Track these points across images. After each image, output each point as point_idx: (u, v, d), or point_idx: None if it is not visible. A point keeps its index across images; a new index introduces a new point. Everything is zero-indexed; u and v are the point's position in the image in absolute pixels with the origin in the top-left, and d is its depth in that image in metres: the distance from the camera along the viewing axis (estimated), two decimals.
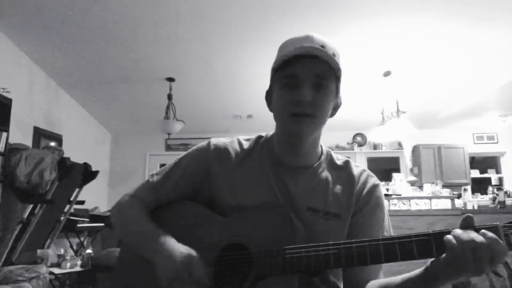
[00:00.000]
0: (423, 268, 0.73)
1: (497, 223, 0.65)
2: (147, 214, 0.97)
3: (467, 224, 0.66)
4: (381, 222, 0.92)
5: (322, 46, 0.83)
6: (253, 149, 0.98)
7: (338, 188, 0.92)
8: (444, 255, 0.66)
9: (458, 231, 0.65)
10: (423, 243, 0.68)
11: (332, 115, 0.92)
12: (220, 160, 0.96)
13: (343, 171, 0.95)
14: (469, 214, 0.67)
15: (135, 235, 0.94)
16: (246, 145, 1.00)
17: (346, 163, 0.97)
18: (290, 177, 0.92)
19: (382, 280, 0.85)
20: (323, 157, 0.97)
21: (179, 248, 0.84)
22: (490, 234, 0.63)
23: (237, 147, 0.99)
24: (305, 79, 0.84)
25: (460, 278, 0.66)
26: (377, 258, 0.70)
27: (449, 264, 0.65)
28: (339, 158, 0.99)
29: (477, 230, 0.65)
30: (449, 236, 0.65)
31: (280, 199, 0.90)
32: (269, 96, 0.95)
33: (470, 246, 0.62)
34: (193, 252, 0.83)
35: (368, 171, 0.97)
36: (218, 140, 1.00)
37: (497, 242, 0.62)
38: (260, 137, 1.01)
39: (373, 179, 0.95)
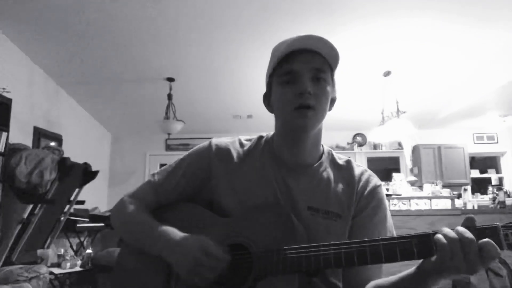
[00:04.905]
0: (415, 266, 0.73)
1: (497, 223, 0.65)
2: (148, 212, 0.96)
3: (468, 225, 0.66)
4: (383, 223, 0.91)
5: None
6: (254, 149, 0.98)
7: (339, 187, 0.92)
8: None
9: (447, 229, 0.66)
10: (423, 243, 0.68)
11: (329, 109, 0.92)
12: (222, 160, 0.96)
13: (345, 170, 0.95)
14: (471, 215, 0.67)
15: (138, 234, 0.94)
16: (247, 145, 0.99)
17: (348, 163, 0.97)
18: (291, 176, 0.92)
19: (378, 281, 0.85)
20: (324, 157, 0.97)
21: (185, 237, 0.84)
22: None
23: (238, 147, 0.99)
24: (304, 73, 0.85)
25: (452, 275, 0.66)
26: (377, 258, 0.70)
27: (439, 262, 0.65)
28: (340, 158, 0.99)
29: (476, 230, 0.65)
30: (438, 234, 0.65)
31: (281, 199, 0.90)
32: (267, 99, 0.96)
33: (459, 242, 0.63)
34: (200, 235, 0.83)
35: (369, 171, 0.97)
36: (219, 140, 0.99)
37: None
38: (261, 137, 1.01)
39: (375, 180, 0.95)
